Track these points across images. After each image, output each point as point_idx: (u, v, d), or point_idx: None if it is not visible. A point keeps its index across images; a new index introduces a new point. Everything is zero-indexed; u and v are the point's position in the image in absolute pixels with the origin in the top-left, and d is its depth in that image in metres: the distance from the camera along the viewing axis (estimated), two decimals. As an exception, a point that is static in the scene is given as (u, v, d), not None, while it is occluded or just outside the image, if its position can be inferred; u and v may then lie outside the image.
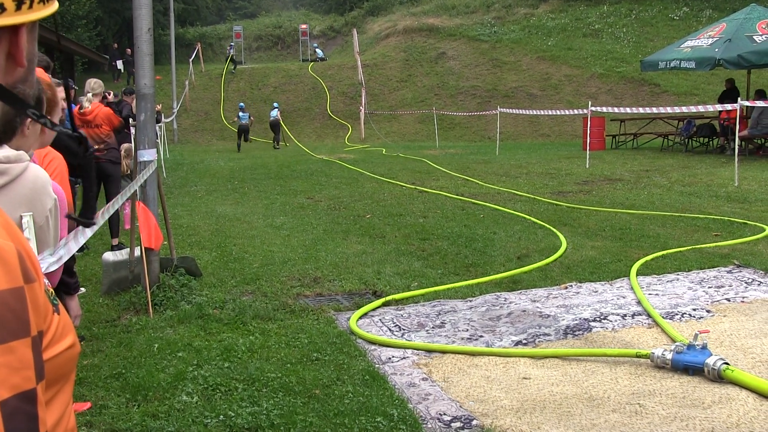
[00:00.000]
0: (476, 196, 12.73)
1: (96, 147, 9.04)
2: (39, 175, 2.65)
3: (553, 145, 25.77)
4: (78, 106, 9.31)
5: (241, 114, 28.35)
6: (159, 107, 16.94)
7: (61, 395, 1.11)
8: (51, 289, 1.11)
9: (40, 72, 3.42)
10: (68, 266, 3.53)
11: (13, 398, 0.88)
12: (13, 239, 0.97)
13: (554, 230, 9.38)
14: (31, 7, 1.02)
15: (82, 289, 7.18)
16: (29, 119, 1.12)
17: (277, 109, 28.96)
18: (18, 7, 1.00)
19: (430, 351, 5.19)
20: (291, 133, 32.22)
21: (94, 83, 9.44)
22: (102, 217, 4.75)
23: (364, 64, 36.43)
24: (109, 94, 10.64)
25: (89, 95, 9.14)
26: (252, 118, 29.82)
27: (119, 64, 34.20)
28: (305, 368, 4.84)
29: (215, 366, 4.91)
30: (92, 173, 1.18)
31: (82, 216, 1.23)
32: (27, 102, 1.09)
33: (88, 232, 4.20)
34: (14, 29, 1.02)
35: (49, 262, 3.01)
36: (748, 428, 3.84)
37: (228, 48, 42.39)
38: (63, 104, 5.85)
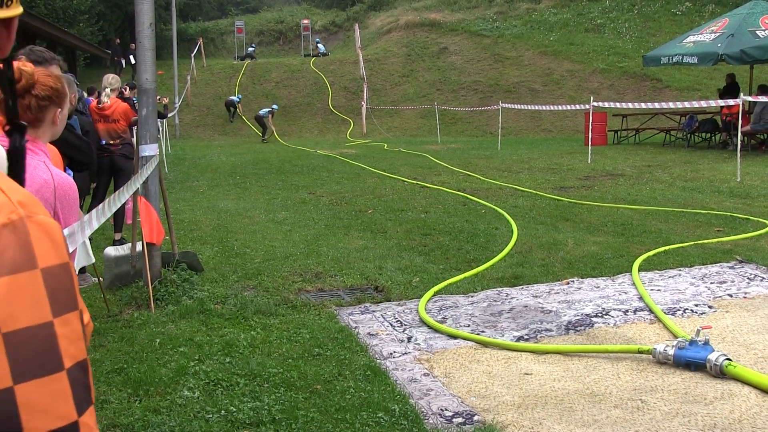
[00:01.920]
0: (478, 192, 12.72)
1: (112, 141, 9.09)
2: None
3: (555, 141, 25.76)
4: (96, 101, 9.34)
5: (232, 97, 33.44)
6: (165, 100, 16.87)
7: None
8: None
9: (54, 68, 3.43)
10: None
11: (74, 367, 0.94)
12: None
13: (509, 218, 9.40)
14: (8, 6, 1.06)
15: (94, 279, 7.21)
16: (57, 110, 1.16)
17: (272, 110, 30.30)
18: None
19: (485, 344, 5.19)
20: (293, 127, 32.28)
21: (111, 78, 9.47)
22: (109, 209, 4.74)
23: (366, 59, 36.39)
24: (126, 90, 10.68)
25: (107, 90, 9.17)
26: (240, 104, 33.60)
27: (132, 60, 34.23)
28: (307, 363, 4.84)
29: (217, 361, 4.91)
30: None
31: None
32: None
33: (95, 224, 4.20)
34: (5, 23, 1.07)
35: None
36: (750, 424, 3.84)
37: (248, 46, 43.17)
38: (74, 100, 5.83)
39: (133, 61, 33.40)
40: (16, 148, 1.17)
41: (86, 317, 1.15)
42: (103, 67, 33.59)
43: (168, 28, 36.91)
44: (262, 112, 29.87)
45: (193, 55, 38.18)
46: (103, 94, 9.17)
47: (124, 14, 40.32)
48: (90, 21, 35.28)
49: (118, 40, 37.56)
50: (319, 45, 43.42)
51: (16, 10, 1.05)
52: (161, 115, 14.01)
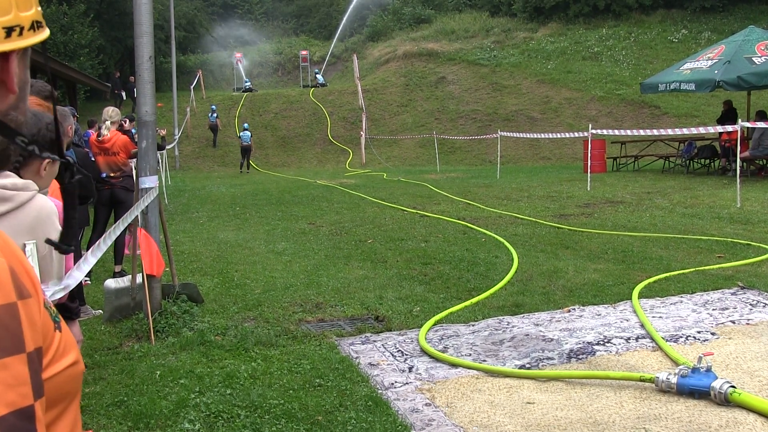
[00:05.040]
0: (477, 220, 12.72)
1: (112, 174, 9.10)
2: (45, 205, 2.65)
3: (554, 168, 25.81)
4: (96, 134, 9.37)
5: (210, 114, 34.09)
6: (163, 132, 16.95)
7: (67, 414, 1.10)
8: (53, 307, 1.11)
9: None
10: (71, 291, 3.52)
11: (10, 415, 0.88)
12: (7, 255, 0.98)
13: (509, 246, 9.39)
14: (21, 34, 1.03)
15: (99, 311, 7.18)
16: (47, 161, 1.15)
17: (247, 132, 29.78)
18: (8, 35, 1.01)
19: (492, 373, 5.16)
20: (292, 157, 32.41)
21: (111, 111, 9.51)
22: (104, 243, 4.74)
23: (365, 89, 36.60)
24: (125, 122, 10.73)
25: (107, 123, 9.20)
26: (219, 119, 34.10)
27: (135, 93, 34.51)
28: (308, 394, 4.81)
29: (217, 393, 4.87)
30: (75, 201, 1.18)
31: (62, 241, 1.22)
32: (16, 129, 1.09)
33: (92, 260, 4.19)
34: (4, 56, 1.03)
35: (55, 290, 3.01)
36: (755, 452, 3.80)
37: (245, 82, 43.40)
38: (70, 132, 5.87)
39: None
40: (67, 186, 1.16)
41: (71, 358, 1.10)
42: (103, 100, 33.79)
43: (167, 60, 37.16)
44: (246, 140, 29.52)
45: (192, 87, 38.40)
46: (103, 127, 9.20)
47: (124, 47, 40.63)
48: (90, 55, 35.54)
49: (117, 74, 37.80)
50: (317, 76, 43.71)
51: (4, 45, 1.03)
52: (159, 147, 14.08)
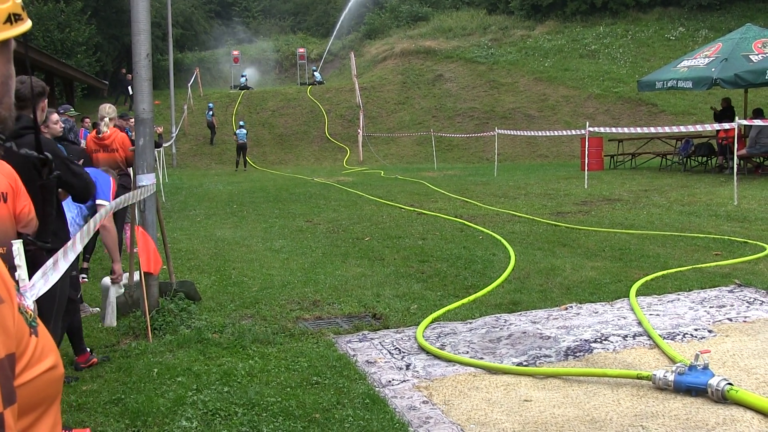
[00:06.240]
0: (475, 218, 12.72)
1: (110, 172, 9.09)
2: None
3: (552, 166, 25.81)
4: (95, 131, 9.37)
5: (207, 112, 34.09)
6: (160, 129, 16.94)
7: (46, 419, 1.07)
8: (30, 311, 1.08)
9: None
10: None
11: None
12: None
13: (507, 244, 9.41)
14: None
15: (96, 309, 7.16)
16: None
17: (243, 129, 29.53)
18: None
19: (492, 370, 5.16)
20: (289, 155, 32.39)
21: (108, 108, 9.50)
22: (87, 236, 4.72)
23: (362, 87, 36.57)
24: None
25: (106, 119, 9.19)
26: (215, 117, 34.14)
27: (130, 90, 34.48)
28: (305, 392, 4.81)
29: (215, 390, 4.87)
30: (53, 197, 1.16)
31: (38, 238, 1.20)
32: None
33: (78, 247, 4.17)
34: None
35: (39, 286, 3.01)
36: (752, 449, 3.80)
37: (241, 76, 43.25)
38: (60, 125, 5.84)
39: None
40: (45, 182, 1.14)
41: (48, 362, 1.07)
42: (100, 97, 33.71)
43: (165, 58, 37.11)
44: (241, 138, 29.07)
45: (189, 84, 38.33)
46: (102, 123, 9.19)
47: (121, 45, 40.58)
48: (88, 52, 35.51)
49: (123, 71, 37.76)
50: (315, 73, 43.66)
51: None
52: (157, 145, 14.08)
